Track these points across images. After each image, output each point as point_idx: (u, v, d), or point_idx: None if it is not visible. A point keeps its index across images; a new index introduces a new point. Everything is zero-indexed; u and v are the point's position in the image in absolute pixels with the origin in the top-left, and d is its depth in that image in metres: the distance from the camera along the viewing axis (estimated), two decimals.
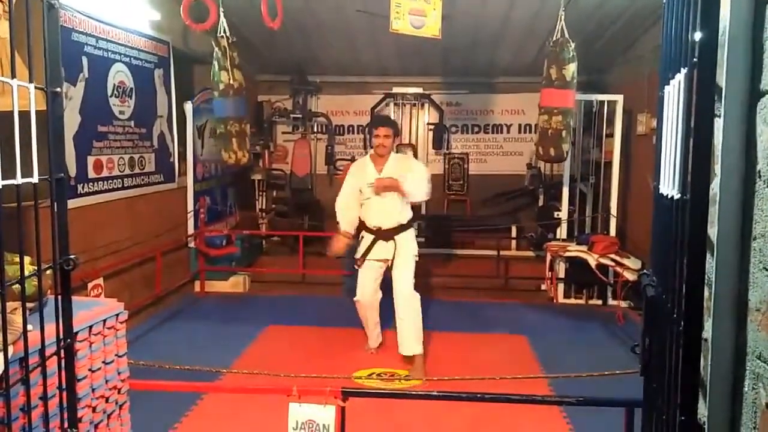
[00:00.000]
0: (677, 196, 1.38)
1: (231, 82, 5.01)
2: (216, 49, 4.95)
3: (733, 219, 1.21)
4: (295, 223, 7.96)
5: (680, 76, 1.41)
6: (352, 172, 4.64)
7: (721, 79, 1.22)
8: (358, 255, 4.50)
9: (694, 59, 1.27)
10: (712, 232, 1.24)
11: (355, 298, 4.56)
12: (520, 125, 8.78)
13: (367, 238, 4.46)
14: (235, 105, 5.12)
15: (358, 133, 8.84)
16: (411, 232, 4.51)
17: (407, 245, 4.44)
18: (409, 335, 4.31)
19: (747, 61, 1.19)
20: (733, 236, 1.21)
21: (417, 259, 4.44)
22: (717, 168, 1.23)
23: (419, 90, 8.18)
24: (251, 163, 5.49)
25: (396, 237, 4.40)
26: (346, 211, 4.51)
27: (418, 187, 4.36)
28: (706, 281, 1.28)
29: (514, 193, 8.38)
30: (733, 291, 1.22)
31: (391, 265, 4.40)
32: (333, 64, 8.13)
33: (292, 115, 8.55)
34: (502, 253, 7.17)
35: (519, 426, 3.53)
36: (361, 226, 4.52)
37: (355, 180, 4.53)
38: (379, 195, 4.37)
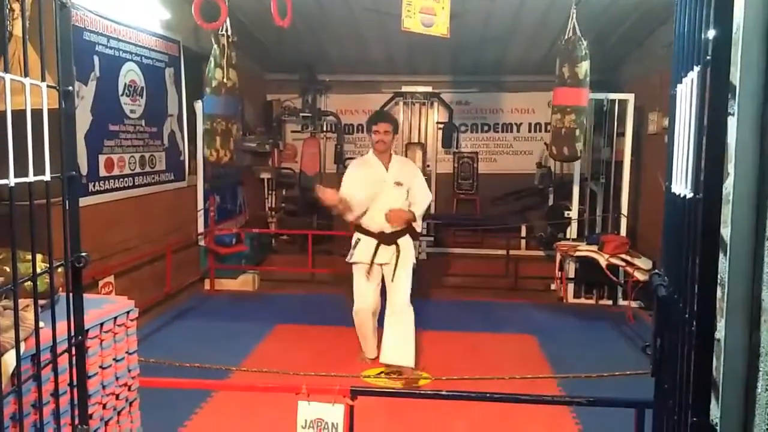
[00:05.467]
0: (690, 195, 1.37)
1: (224, 80, 5.02)
2: (215, 46, 4.97)
3: (746, 218, 1.19)
4: (304, 221, 7.97)
5: (693, 75, 1.39)
6: (355, 165, 4.43)
7: (735, 77, 1.20)
8: (352, 259, 4.27)
9: (708, 57, 1.25)
10: (725, 231, 1.23)
11: (354, 308, 4.33)
12: (530, 124, 8.75)
13: (365, 241, 4.22)
14: (225, 103, 5.12)
15: (367, 131, 8.84)
16: (410, 238, 4.30)
17: (409, 251, 4.26)
18: (397, 344, 4.14)
19: (762, 59, 1.17)
20: (746, 236, 1.20)
21: (415, 266, 4.29)
22: (730, 167, 1.22)
23: (428, 89, 8.17)
24: (234, 162, 5.45)
25: (399, 241, 4.20)
26: (356, 192, 4.13)
27: (424, 209, 4.34)
28: (718, 281, 1.26)
29: (524, 193, 8.35)
30: (747, 291, 1.21)
31: (394, 270, 4.19)
32: (342, 63, 8.13)
33: (301, 114, 8.57)
34: (511, 252, 7.15)
35: (528, 426, 3.51)
36: (358, 229, 4.28)
37: (358, 170, 4.31)
38: (386, 197, 4.17)
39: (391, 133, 4.32)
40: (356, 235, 4.30)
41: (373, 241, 4.19)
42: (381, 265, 4.22)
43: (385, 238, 4.19)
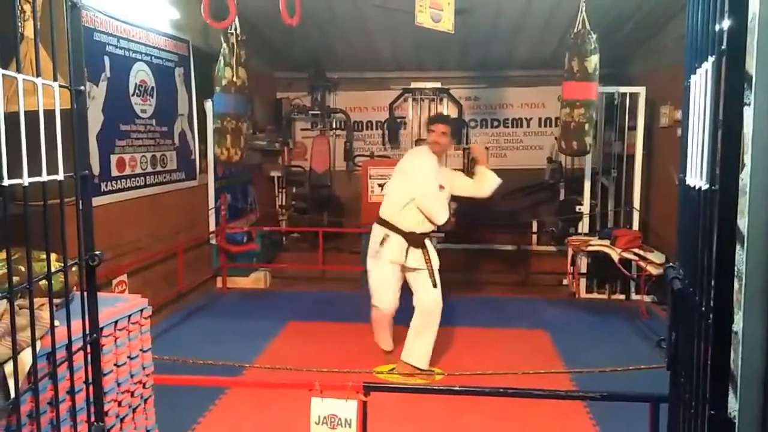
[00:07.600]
0: (705, 186, 1.36)
1: (234, 79, 5.03)
2: (224, 45, 4.98)
3: (764, 209, 1.18)
4: (314, 219, 7.99)
5: (707, 65, 1.38)
6: (431, 162, 4.13)
7: (751, 66, 1.19)
8: (383, 256, 4.10)
9: (723, 47, 1.24)
10: (742, 223, 1.22)
11: (373, 303, 4.25)
12: (540, 119, 8.70)
13: (394, 239, 4.08)
14: (235, 102, 5.11)
15: (376, 128, 8.83)
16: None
17: (435, 253, 4.20)
18: (421, 348, 4.11)
19: None
20: (764, 227, 1.18)
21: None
22: (747, 157, 1.20)
23: (437, 85, 8.14)
24: (244, 161, 5.43)
25: (426, 242, 4.15)
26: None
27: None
28: (735, 273, 1.25)
29: (535, 188, 8.31)
30: (765, 282, 1.19)
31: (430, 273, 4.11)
32: (351, 60, 8.12)
33: (310, 112, 8.58)
34: (522, 247, 7.12)
35: (541, 421, 3.50)
36: (386, 225, 4.14)
37: (435, 174, 4.11)
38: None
39: (448, 136, 4.21)
40: (381, 231, 4.14)
41: (403, 241, 4.08)
42: (413, 269, 4.12)
43: (414, 240, 4.09)
